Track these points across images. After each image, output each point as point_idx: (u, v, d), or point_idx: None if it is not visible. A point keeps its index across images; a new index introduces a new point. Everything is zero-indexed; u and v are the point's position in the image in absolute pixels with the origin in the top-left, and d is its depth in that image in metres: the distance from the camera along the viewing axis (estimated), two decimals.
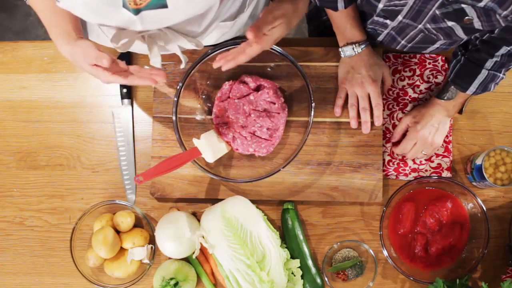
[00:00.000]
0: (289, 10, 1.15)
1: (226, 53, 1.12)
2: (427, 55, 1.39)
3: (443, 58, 1.39)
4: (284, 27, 1.13)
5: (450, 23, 1.04)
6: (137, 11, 0.93)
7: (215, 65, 1.12)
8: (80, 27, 1.08)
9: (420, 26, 1.10)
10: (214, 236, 1.26)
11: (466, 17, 0.99)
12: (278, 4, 1.15)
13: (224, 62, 1.10)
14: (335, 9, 1.21)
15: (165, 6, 0.93)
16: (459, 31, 1.07)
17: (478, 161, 1.29)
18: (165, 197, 1.35)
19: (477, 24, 1.01)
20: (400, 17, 1.10)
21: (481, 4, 0.93)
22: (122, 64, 1.07)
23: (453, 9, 0.99)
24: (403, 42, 1.24)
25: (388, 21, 1.18)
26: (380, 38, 1.29)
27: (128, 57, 1.40)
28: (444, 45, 1.25)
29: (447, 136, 1.36)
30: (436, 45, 1.25)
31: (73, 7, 0.94)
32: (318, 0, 1.21)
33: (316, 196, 1.33)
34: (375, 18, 1.20)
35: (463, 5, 0.96)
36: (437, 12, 1.02)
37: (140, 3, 0.92)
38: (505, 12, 0.94)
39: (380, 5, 1.11)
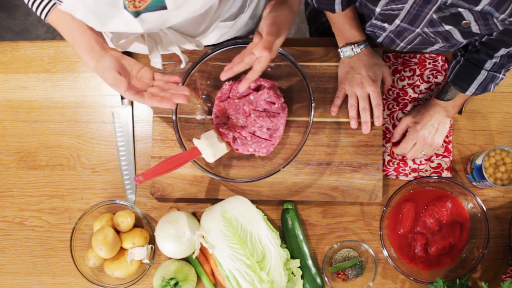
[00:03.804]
0: (288, 14, 1.12)
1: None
2: (427, 55, 1.39)
3: (443, 58, 1.39)
4: (287, 31, 1.12)
5: (447, 27, 1.04)
6: (136, 14, 0.93)
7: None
8: (103, 41, 1.07)
9: (417, 30, 1.10)
10: (214, 236, 1.26)
11: (464, 21, 0.98)
12: (276, 13, 1.11)
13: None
14: (333, 11, 1.21)
15: (164, 7, 0.93)
16: (457, 35, 1.07)
17: (478, 161, 1.29)
18: (165, 197, 1.35)
19: (475, 28, 1.00)
20: (397, 21, 1.10)
21: (478, 8, 0.93)
22: (147, 78, 1.07)
23: (450, 13, 0.98)
24: (402, 44, 1.24)
25: (386, 25, 1.17)
26: (379, 40, 1.29)
27: None
28: (444, 47, 1.25)
29: (447, 136, 1.36)
30: (436, 47, 1.25)
31: (75, 10, 0.94)
32: (315, 2, 1.21)
33: (316, 196, 1.33)
34: (374, 21, 1.20)
35: (460, 9, 0.96)
36: (434, 16, 1.02)
37: (139, 6, 0.92)
38: (502, 16, 0.93)
39: (377, 9, 1.10)
